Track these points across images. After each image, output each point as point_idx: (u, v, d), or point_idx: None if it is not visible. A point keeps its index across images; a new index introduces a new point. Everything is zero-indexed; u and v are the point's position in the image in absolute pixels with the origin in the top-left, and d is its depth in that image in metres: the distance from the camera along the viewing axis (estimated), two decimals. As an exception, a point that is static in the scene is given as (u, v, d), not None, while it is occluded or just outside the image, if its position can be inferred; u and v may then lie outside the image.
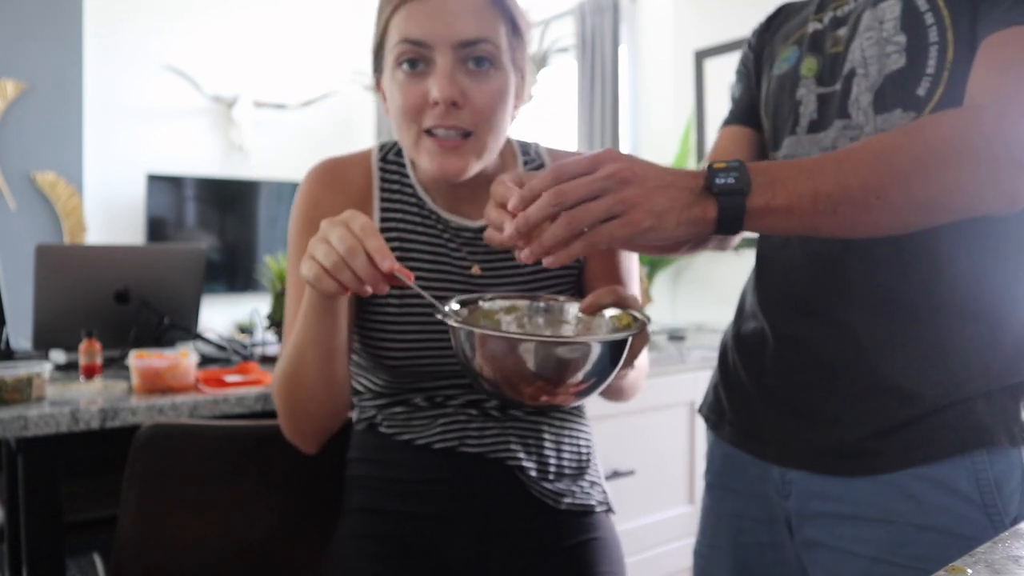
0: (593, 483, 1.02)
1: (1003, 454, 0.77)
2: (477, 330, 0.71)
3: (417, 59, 0.86)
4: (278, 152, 4.77)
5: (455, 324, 0.72)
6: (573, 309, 0.84)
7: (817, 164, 0.69)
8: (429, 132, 0.87)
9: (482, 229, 0.96)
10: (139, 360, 1.44)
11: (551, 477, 0.97)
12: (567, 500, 0.97)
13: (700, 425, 2.09)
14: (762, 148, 0.99)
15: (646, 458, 1.97)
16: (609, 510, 1.03)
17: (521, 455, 0.95)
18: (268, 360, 1.81)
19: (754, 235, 0.83)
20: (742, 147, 1.00)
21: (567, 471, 0.99)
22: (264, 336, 2.19)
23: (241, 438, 1.15)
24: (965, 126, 0.68)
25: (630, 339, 0.73)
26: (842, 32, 0.86)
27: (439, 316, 0.75)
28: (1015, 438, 0.78)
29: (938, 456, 0.78)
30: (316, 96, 4.81)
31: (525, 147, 1.04)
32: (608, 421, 1.88)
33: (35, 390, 1.35)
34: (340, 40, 4.93)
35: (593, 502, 1.00)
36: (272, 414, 1.43)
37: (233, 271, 4.55)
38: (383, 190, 0.99)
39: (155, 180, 4.28)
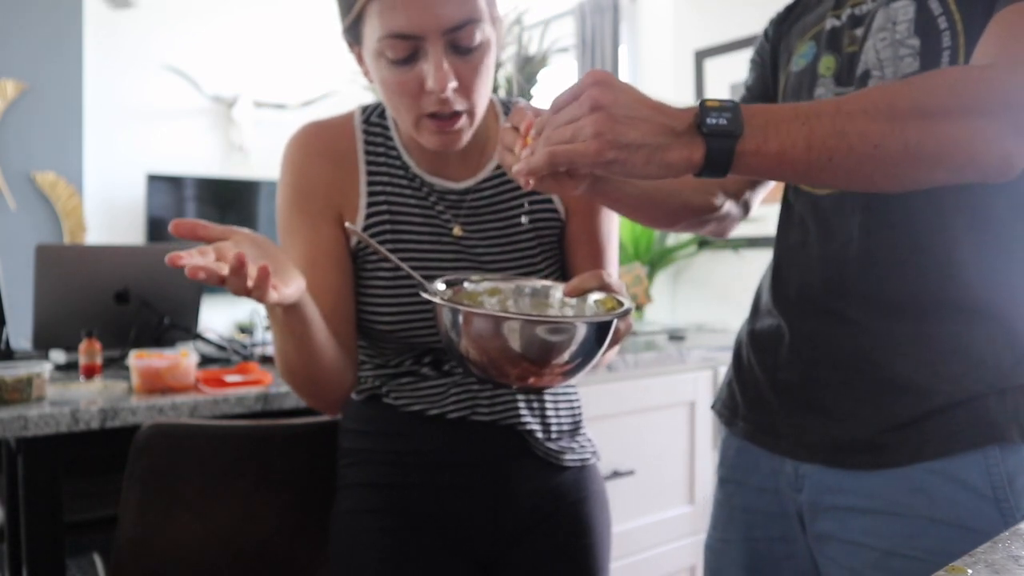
0: (586, 436, 1.06)
1: (1015, 451, 0.78)
2: (463, 308, 0.72)
3: (406, 49, 0.85)
4: (278, 152, 4.72)
5: (441, 302, 0.73)
6: (558, 293, 0.85)
7: (814, 109, 0.66)
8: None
9: (465, 191, 0.98)
10: (139, 360, 1.44)
11: (553, 436, 1.00)
12: (568, 457, 1.00)
13: (700, 425, 2.09)
14: None
15: (646, 458, 1.97)
16: (596, 457, 1.07)
17: (528, 419, 0.97)
18: (268, 360, 1.80)
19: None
20: None
21: (565, 428, 1.02)
22: (264, 336, 2.19)
23: (241, 438, 1.15)
24: (970, 79, 0.67)
25: (615, 321, 0.74)
26: (859, 31, 0.87)
27: (425, 296, 0.76)
28: None
29: (950, 451, 0.78)
30: (316, 96, 4.80)
31: (508, 105, 1.04)
32: (608, 421, 1.87)
33: (35, 390, 1.35)
34: (340, 40, 4.91)
35: (588, 455, 1.04)
36: (272, 414, 1.43)
37: (233, 271, 4.54)
38: (368, 153, 1.00)
39: (155, 180, 4.28)
